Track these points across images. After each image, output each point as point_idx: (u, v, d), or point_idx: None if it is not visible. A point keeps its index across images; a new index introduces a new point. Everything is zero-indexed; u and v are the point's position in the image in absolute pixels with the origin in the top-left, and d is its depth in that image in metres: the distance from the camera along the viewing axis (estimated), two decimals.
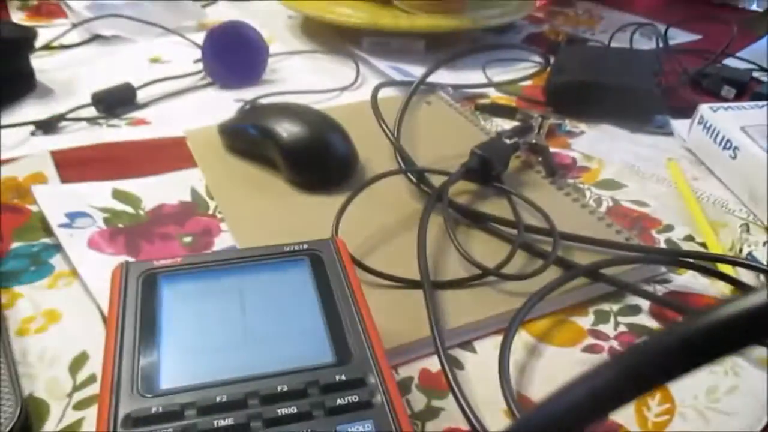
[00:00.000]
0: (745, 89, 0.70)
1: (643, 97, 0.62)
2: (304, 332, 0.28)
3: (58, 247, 0.42)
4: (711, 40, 0.85)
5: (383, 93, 0.61)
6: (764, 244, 0.44)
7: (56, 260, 0.41)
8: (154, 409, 0.24)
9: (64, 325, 0.37)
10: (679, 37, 0.88)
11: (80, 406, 0.32)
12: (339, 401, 0.25)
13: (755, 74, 0.75)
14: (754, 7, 1.01)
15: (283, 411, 0.24)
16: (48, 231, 0.43)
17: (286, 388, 0.25)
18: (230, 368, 0.26)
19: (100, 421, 0.24)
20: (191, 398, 0.25)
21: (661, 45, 0.80)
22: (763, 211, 0.49)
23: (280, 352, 0.27)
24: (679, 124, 0.60)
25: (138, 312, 0.29)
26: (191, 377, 0.26)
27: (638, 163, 0.56)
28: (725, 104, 0.56)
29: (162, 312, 0.29)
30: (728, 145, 0.53)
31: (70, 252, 0.41)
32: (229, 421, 0.24)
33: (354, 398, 0.25)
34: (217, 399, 0.25)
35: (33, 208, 0.46)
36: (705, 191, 0.53)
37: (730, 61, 0.79)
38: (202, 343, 0.28)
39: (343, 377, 0.26)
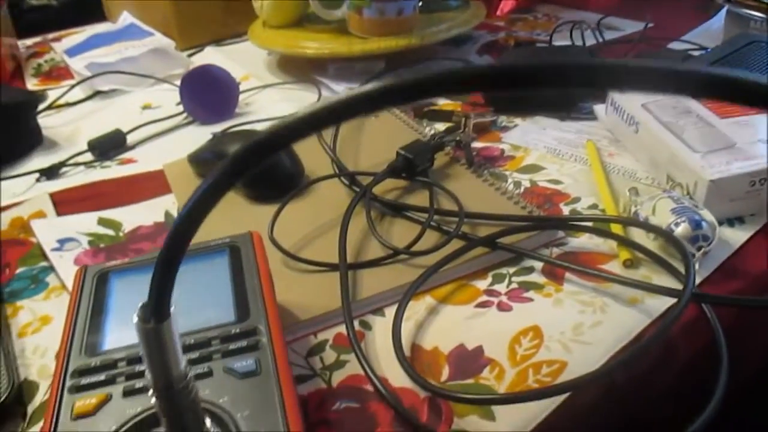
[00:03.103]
0: None
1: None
2: (217, 302, 0.36)
3: (52, 268, 0.51)
4: (663, 27, 0.91)
5: None
6: (650, 200, 0.50)
7: (51, 278, 0.51)
8: (93, 363, 0.32)
9: (54, 325, 0.46)
10: (629, 27, 0.94)
11: None
12: (231, 347, 0.33)
13: (695, 53, 0.81)
14: None
15: (188, 357, 0.32)
16: (45, 256, 0.53)
17: (193, 341, 0.33)
18: None
19: (55, 375, 0.32)
20: (123, 354, 0.33)
21: (601, 39, 0.87)
22: (662, 175, 0.55)
23: (199, 318, 0.35)
24: (600, 109, 0.66)
25: (91, 300, 0.37)
26: (127, 341, 0.34)
27: (561, 148, 0.63)
28: None
29: (111, 299, 0.37)
30: (632, 122, 0.59)
31: (59, 270, 0.50)
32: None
33: (243, 344, 0.33)
34: (141, 353, 0.33)
35: (34, 240, 0.55)
36: (618, 165, 0.59)
37: (676, 44, 0.86)
38: None
39: (238, 330, 0.34)
